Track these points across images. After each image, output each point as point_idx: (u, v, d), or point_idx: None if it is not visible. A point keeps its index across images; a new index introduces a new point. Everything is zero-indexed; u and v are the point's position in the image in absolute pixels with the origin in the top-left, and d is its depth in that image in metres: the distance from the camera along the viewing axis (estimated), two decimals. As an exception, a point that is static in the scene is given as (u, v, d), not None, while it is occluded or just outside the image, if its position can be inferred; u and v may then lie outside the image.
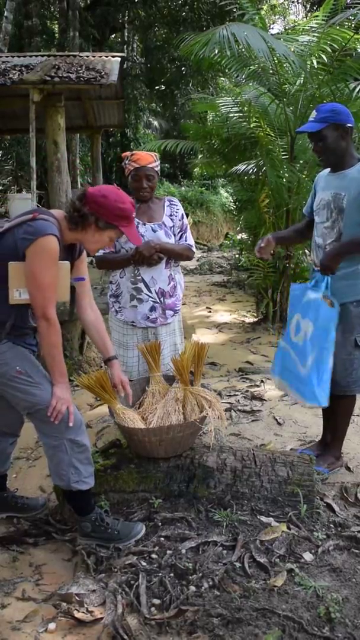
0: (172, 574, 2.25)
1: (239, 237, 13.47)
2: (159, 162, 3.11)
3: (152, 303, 3.12)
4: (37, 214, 2.27)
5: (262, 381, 4.67)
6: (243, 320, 8.17)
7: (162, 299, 3.14)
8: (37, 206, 7.99)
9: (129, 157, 3.07)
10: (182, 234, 3.21)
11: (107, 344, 2.71)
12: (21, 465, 3.39)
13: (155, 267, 3.09)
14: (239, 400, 4.14)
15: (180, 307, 3.30)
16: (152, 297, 3.11)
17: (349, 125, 2.77)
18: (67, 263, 2.35)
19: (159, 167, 3.12)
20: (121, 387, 2.72)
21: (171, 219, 3.18)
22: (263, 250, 3.09)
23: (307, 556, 2.38)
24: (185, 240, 3.21)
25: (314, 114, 2.82)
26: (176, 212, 3.20)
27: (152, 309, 3.13)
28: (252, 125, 7.19)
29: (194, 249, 3.25)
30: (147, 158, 3.04)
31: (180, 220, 3.21)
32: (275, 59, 6.10)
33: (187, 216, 3.54)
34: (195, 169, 16.84)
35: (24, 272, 2.22)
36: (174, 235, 3.18)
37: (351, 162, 2.83)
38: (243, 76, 7.20)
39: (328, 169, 2.98)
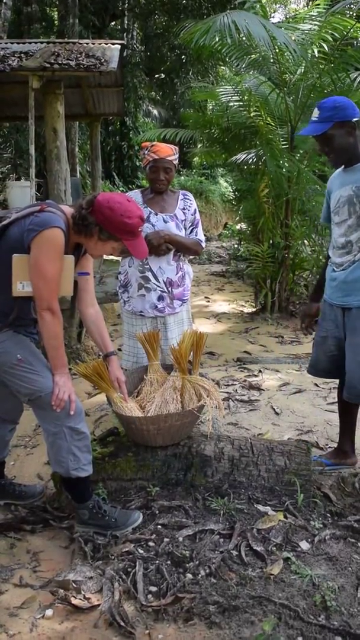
0: (169, 562, 2.26)
1: (238, 227, 13.46)
2: (177, 155, 3.10)
3: (160, 292, 3.13)
4: (45, 206, 2.25)
5: (260, 371, 4.68)
6: (241, 310, 8.18)
7: (170, 289, 3.14)
8: (37, 194, 7.96)
9: (148, 148, 3.06)
10: (192, 229, 3.22)
11: (105, 340, 2.70)
12: (19, 452, 3.40)
13: (163, 258, 3.09)
14: (236, 390, 4.15)
15: (188, 297, 3.30)
16: (159, 287, 3.12)
17: (355, 119, 2.57)
18: (71, 257, 2.33)
19: (177, 160, 3.12)
20: (117, 384, 2.73)
21: (183, 213, 3.18)
22: (309, 322, 3.11)
23: (304, 545, 2.39)
24: (196, 235, 3.22)
25: (315, 112, 2.61)
26: (189, 207, 3.20)
27: (160, 298, 3.13)
28: (252, 115, 7.17)
29: (203, 244, 3.25)
30: (167, 150, 3.03)
31: (192, 215, 3.20)
32: (276, 47, 6.06)
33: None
34: (195, 158, 16.81)
35: (29, 263, 2.21)
36: (185, 229, 3.18)
37: None
38: (243, 65, 7.17)
39: (339, 169, 2.82)
